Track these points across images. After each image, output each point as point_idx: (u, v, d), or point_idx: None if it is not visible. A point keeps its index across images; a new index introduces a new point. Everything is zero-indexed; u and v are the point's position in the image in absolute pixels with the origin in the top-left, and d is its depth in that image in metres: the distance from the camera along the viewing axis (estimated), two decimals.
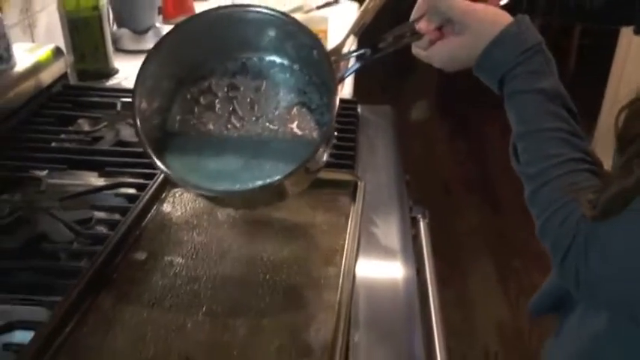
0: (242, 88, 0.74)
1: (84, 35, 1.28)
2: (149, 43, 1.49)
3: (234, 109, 0.74)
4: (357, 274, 0.73)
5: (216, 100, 0.74)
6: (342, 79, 0.73)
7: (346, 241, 0.76)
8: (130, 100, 1.16)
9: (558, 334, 0.74)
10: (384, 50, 0.71)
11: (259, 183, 0.67)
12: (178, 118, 0.74)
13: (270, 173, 0.68)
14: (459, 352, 1.93)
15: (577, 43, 3.66)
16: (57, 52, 1.22)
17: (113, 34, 1.45)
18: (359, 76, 1.42)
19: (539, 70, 0.66)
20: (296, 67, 0.73)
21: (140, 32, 1.50)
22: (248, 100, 0.74)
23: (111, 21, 1.47)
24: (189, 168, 0.70)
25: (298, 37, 0.71)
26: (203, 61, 0.74)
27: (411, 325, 0.73)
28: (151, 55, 0.71)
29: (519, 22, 0.66)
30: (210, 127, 0.73)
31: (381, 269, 0.81)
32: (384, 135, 1.14)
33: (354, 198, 0.84)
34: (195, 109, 0.74)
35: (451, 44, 0.69)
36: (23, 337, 0.62)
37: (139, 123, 0.69)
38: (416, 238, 0.97)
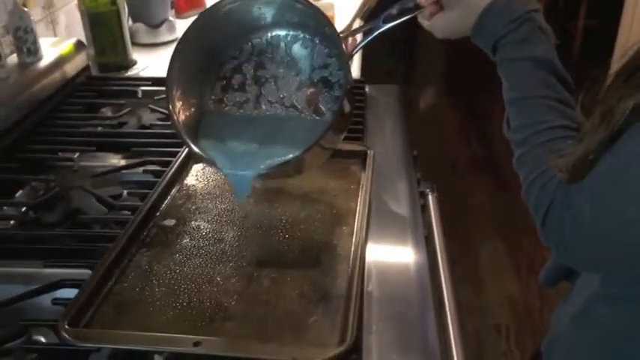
0: (268, 66, 0.80)
1: (103, 30, 1.35)
2: (163, 36, 1.56)
3: (262, 89, 0.80)
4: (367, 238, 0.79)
5: (246, 81, 0.80)
6: (351, 56, 0.78)
7: (358, 204, 0.82)
8: (149, 87, 1.24)
9: (566, 300, 0.77)
10: (390, 22, 0.76)
11: (277, 160, 0.73)
12: (211, 101, 0.80)
13: (290, 150, 0.73)
14: (471, 327, 1.99)
15: (583, 24, 3.69)
16: (79, 46, 1.30)
17: (129, 29, 1.52)
18: (366, 63, 1.47)
19: (528, 38, 0.69)
20: (317, 39, 0.78)
21: (154, 26, 1.57)
22: (274, 79, 0.79)
23: (126, 16, 1.54)
24: (216, 148, 0.76)
25: (312, 16, 0.76)
26: (229, 42, 0.80)
27: (422, 289, 0.78)
28: (180, 43, 0.76)
29: None
30: (240, 107, 0.80)
31: (390, 233, 0.87)
32: (392, 112, 1.20)
33: (364, 166, 0.90)
34: (228, 91, 0.80)
35: (448, 16, 0.74)
36: (70, 293, 0.69)
37: (175, 115, 0.75)
38: (424, 209, 1.02)
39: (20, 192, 0.95)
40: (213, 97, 0.81)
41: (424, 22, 0.77)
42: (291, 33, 0.79)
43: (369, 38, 0.77)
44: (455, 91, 3.70)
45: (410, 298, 0.75)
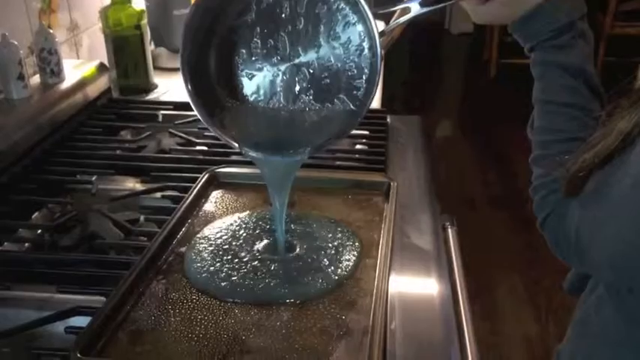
0: (279, 31, 0.71)
1: (126, 53, 1.35)
2: None
3: (277, 63, 0.73)
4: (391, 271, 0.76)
5: (254, 55, 0.73)
6: (383, 34, 0.71)
7: (381, 236, 0.80)
8: (170, 111, 1.24)
9: None
10: (430, 6, 0.72)
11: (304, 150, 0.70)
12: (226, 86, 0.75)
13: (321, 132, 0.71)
14: None
15: (602, 61, 3.68)
16: (101, 68, 1.30)
17: (151, 53, 1.52)
18: (384, 97, 1.46)
19: (566, 45, 0.69)
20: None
21: (176, 51, 1.57)
22: (289, 49, 0.72)
23: (149, 40, 1.55)
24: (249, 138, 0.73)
25: None
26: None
27: (447, 326, 0.76)
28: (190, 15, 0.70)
29: None
30: (258, 91, 0.74)
31: (414, 266, 0.84)
32: (414, 143, 1.18)
33: (387, 198, 0.88)
34: (240, 70, 0.74)
35: (495, 5, 0.72)
36: (83, 321, 0.67)
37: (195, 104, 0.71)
38: (445, 243, 1.00)
39: (36, 214, 0.94)
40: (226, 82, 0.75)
41: (467, 6, 0.75)
42: None
43: (405, 20, 0.72)
44: (472, 127, 3.69)
45: (434, 335, 0.73)
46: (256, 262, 0.75)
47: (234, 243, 0.79)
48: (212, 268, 0.74)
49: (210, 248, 0.77)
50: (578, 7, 0.70)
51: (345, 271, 0.73)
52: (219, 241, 0.79)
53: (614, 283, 0.62)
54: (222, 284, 0.71)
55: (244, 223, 0.83)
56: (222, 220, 0.84)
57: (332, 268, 0.73)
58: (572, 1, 0.70)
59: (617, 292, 0.63)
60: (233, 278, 0.72)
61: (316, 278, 0.72)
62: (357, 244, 0.78)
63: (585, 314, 0.68)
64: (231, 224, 0.83)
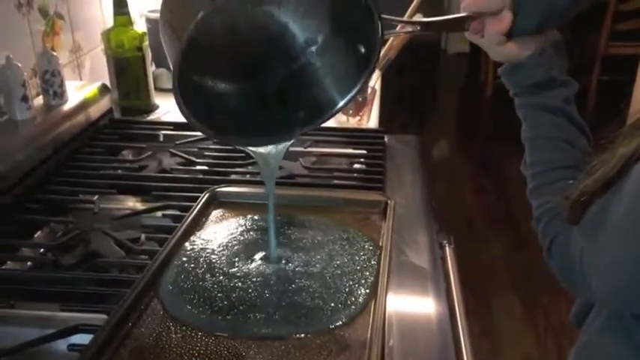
0: None
1: (128, 74, 1.37)
2: None
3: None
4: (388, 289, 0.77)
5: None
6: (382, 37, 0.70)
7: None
8: (170, 132, 1.25)
9: None
10: (430, 30, 0.76)
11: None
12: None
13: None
14: None
15: (597, 80, 3.71)
16: (103, 90, 1.32)
17: (152, 74, 1.54)
18: (382, 116, 1.48)
19: (547, 92, 0.75)
20: None
21: None
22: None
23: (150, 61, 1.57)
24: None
25: None
26: None
27: (444, 344, 0.77)
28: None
29: (535, 57, 0.73)
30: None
31: (411, 284, 0.85)
32: (411, 162, 1.20)
33: (384, 216, 0.89)
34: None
35: (492, 51, 0.76)
36: (86, 339, 0.68)
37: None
38: (442, 261, 1.01)
39: (39, 233, 0.95)
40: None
41: (469, 37, 0.77)
42: None
43: (404, 32, 0.77)
44: (469, 146, 3.71)
45: (432, 354, 0.74)
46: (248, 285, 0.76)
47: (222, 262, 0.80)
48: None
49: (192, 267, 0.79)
50: (557, 65, 0.75)
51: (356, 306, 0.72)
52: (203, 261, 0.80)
53: (618, 311, 0.63)
54: (203, 317, 0.70)
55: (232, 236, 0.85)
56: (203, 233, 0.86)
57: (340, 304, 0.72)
58: (554, 58, 0.74)
59: (621, 318, 0.63)
60: (215, 308, 0.71)
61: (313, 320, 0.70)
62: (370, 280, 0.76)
63: (589, 340, 0.69)
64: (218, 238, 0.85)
